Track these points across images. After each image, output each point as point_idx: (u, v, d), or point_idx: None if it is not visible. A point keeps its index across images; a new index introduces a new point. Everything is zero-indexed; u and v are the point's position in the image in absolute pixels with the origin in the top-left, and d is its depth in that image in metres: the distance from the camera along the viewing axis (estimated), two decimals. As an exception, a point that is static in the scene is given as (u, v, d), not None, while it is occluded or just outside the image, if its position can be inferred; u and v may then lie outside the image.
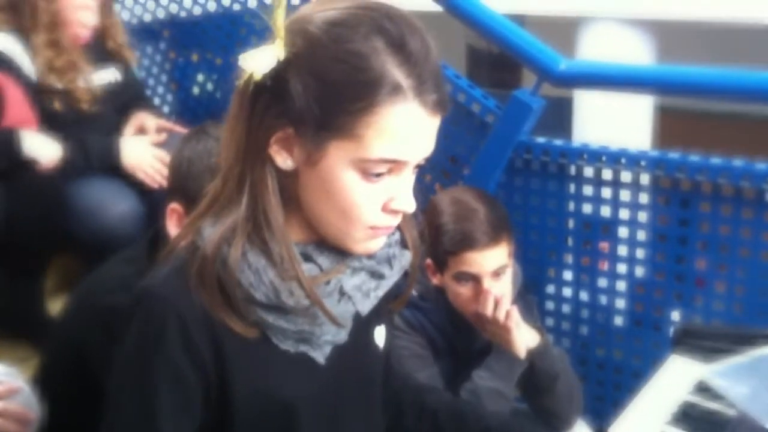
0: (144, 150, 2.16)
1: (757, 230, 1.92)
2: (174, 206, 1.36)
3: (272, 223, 0.96)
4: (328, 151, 0.94)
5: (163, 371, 0.96)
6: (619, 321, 2.16)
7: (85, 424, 1.38)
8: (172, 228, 1.37)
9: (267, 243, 0.96)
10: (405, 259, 1.09)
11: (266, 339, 1.00)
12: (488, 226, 1.69)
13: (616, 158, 2.05)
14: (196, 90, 2.91)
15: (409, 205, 0.98)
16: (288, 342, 1.00)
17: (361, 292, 1.03)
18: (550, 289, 2.23)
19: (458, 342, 1.81)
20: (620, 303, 2.15)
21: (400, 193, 0.97)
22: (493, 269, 1.70)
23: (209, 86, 2.94)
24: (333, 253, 1.01)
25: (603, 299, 2.15)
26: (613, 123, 4.84)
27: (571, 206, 2.12)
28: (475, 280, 1.71)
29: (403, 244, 1.09)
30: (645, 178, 2.04)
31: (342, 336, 1.05)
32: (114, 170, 2.10)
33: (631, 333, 2.15)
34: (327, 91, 0.92)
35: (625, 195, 2.06)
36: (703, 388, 1.38)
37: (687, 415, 1.33)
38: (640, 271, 2.11)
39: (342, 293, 1.01)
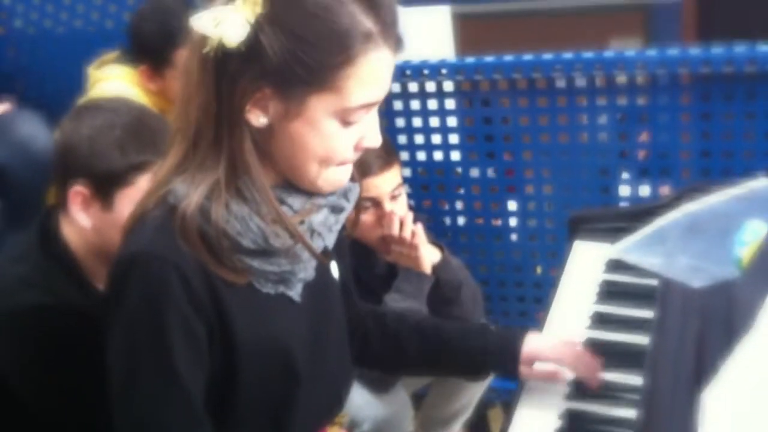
0: None
1: (552, 115, 2.07)
2: (77, 189, 1.28)
3: (255, 181, 0.99)
4: (308, 104, 0.97)
5: (175, 327, 0.97)
6: (461, 221, 2.26)
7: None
8: (77, 211, 1.29)
9: (247, 192, 0.99)
10: (356, 191, 1.14)
11: (250, 285, 1.03)
12: (380, 150, 1.68)
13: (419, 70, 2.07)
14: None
15: (378, 141, 1.05)
16: (269, 285, 1.05)
17: (326, 227, 1.08)
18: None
19: (361, 272, 1.83)
20: (460, 205, 2.25)
21: (370, 131, 1.03)
22: (391, 191, 1.76)
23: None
24: (300, 193, 1.05)
25: (445, 205, 2.25)
26: (417, 36, 4.91)
27: (419, 122, 2.16)
28: (376, 204, 1.75)
29: (351, 177, 1.12)
30: (449, 86, 2.12)
31: (310, 272, 1.10)
32: None
33: (473, 229, 2.26)
34: (304, 48, 0.94)
35: (432, 104, 2.13)
36: (615, 266, 1.48)
37: (610, 292, 1.43)
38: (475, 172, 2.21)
39: (312, 231, 1.06)
